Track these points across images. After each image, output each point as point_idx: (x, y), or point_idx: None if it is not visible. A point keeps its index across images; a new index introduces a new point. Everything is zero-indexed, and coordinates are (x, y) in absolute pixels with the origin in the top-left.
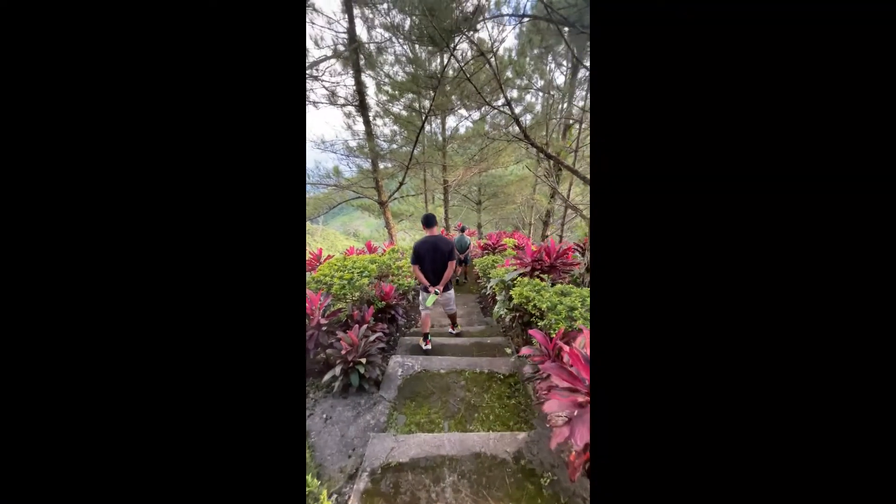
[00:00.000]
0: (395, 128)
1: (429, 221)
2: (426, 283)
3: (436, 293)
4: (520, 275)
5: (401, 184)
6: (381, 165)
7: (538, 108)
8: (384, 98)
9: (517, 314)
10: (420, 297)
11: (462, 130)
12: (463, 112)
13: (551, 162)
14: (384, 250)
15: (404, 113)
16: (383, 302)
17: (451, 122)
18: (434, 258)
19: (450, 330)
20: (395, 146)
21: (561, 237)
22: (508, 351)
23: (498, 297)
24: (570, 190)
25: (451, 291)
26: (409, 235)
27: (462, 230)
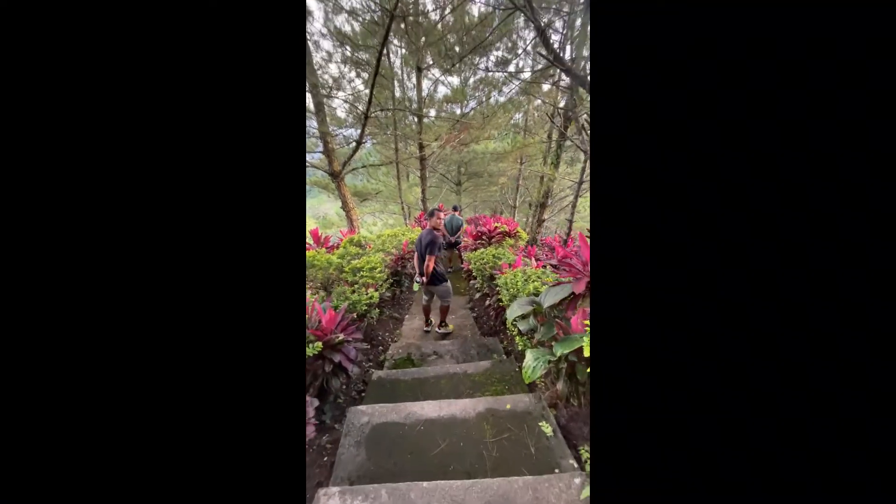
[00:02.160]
0: (353, 77)
1: (427, 213)
2: (417, 271)
3: (417, 282)
4: (570, 296)
5: (358, 143)
6: (336, 133)
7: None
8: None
9: (574, 363)
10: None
11: (441, 95)
12: (436, 73)
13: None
14: (339, 242)
15: (364, 55)
16: (319, 343)
17: (426, 85)
18: (417, 250)
19: (436, 329)
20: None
21: (570, 223)
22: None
23: (517, 325)
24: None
25: (446, 285)
26: (380, 220)
27: (455, 209)
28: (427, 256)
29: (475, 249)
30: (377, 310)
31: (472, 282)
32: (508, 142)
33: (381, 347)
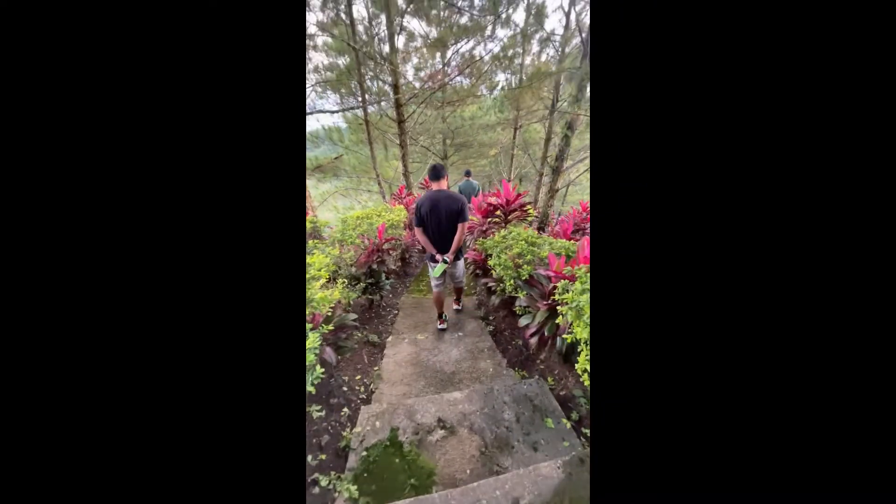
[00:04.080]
0: None
1: (435, 173)
2: (432, 250)
3: (444, 262)
4: None
5: None
6: None
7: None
8: None
9: None
10: (429, 269)
11: (419, 42)
12: (412, 22)
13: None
14: None
15: None
16: None
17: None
18: (439, 219)
19: (454, 306)
20: None
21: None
22: None
23: None
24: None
25: (462, 261)
26: (358, 203)
27: (468, 174)
28: (460, 224)
29: (485, 231)
30: (314, 362)
31: (483, 280)
32: (500, 97)
33: (345, 411)
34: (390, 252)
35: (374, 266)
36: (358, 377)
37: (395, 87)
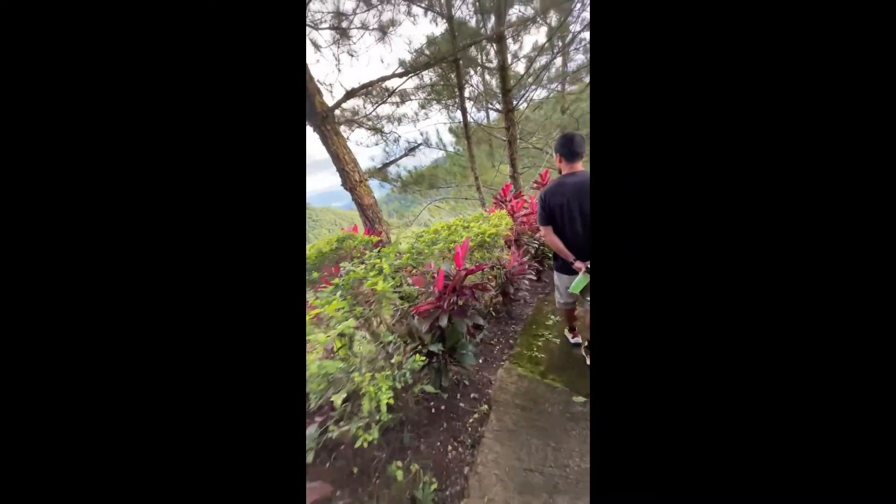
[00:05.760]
0: None
1: (569, 147)
2: (568, 255)
3: (587, 271)
4: None
5: None
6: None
7: None
8: None
9: None
10: (555, 280)
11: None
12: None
13: None
14: None
15: None
16: None
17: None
18: (579, 213)
19: (582, 350)
20: None
21: None
22: None
23: None
24: None
25: None
26: (460, 214)
27: None
28: None
29: None
30: None
31: None
32: None
33: None
34: (477, 291)
35: (448, 321)
36: None
37: (503, 69)
